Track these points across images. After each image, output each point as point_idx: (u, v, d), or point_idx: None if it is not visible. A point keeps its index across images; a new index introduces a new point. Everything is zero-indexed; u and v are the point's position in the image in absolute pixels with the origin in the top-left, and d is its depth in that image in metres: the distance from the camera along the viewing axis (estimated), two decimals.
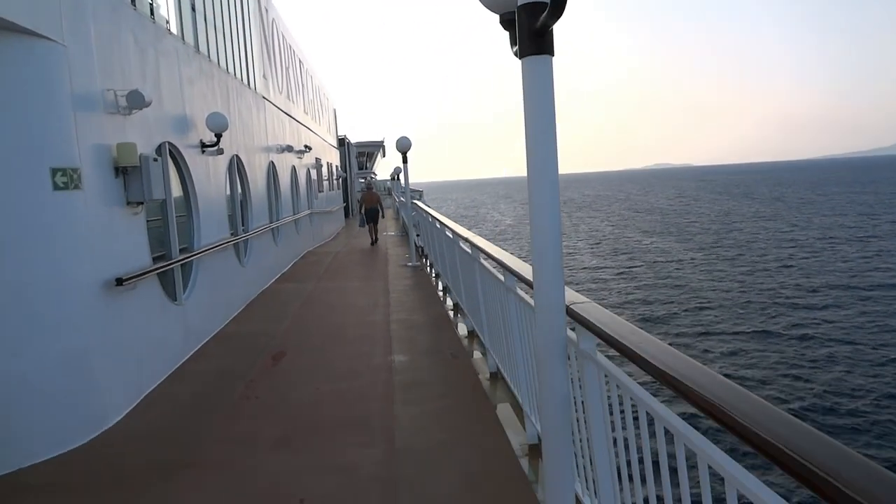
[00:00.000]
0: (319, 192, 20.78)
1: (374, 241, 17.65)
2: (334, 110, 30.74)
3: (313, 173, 19.20)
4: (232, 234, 9.16)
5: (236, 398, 5.46)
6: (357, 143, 50.48)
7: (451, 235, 7.09)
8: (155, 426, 4.94)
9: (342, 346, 7.11)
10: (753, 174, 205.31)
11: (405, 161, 12.51)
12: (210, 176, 8.16)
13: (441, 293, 9.72)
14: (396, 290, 10.18)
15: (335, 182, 26.91)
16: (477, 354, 6.33)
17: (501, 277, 4.28)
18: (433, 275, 11.40)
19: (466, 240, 5.79)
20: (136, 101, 5.36)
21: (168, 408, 5.33)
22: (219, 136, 7.79)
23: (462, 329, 7.40)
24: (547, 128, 2.21)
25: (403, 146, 12.29)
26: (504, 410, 4.77)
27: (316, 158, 20.35)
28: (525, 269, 3.51)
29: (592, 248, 37.32)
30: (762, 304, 20.81)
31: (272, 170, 12.37)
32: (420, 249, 13.88)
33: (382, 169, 65.07)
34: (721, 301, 21.61)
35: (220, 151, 8.01)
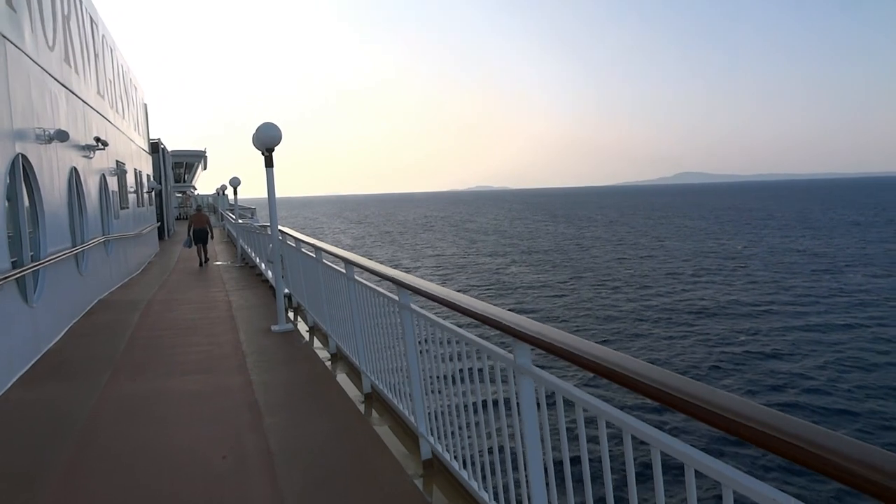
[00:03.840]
0: (122, 207, 14.92)
1: (204, 262, 17.18)
2: (145, 106, 24.28)
3: (111, 182, 13.42)
4: None
5: None
6: (174, 151, 43.12)
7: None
8: None
9: None
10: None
11: (269, 164, 7.89)
12: None
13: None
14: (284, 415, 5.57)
15: (145, 195, 20.70)
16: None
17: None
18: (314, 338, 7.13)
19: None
20: None
21: None
22: None
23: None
24: None
25: (267, 139, 7.64)
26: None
27: (117, 162, 14.49)
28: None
29: (450, 273, 34.40)
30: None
31: (21, 171, 7.07)
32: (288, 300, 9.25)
33: (204, 183, 57.32)
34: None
35: None
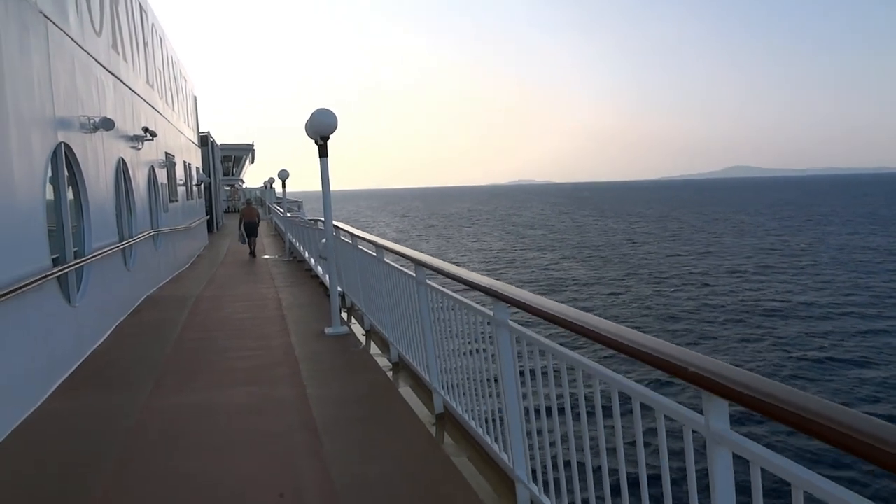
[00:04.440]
0: (172, 200, 14.66)
1: (253, 255, 17.70)
2: (195, 98, 24.20)
3: (160, 174, 13.11)
4: None
5: None
6: (222, 144, 43.51)
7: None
8: None
9: None
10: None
11: (324, 153, 7.28)
12: None
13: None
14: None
15: (195, 188, 20.57)
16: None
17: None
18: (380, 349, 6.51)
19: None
20: None
21: None
22: None
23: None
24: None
25: (322, 127, 7.03)
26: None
27: (166, 153, 14.20)
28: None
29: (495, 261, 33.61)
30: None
31: (63, 160, 6.63)
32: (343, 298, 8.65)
33: (251, 176, 57.96)
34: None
35: None
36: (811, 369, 14.01)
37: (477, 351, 3.50)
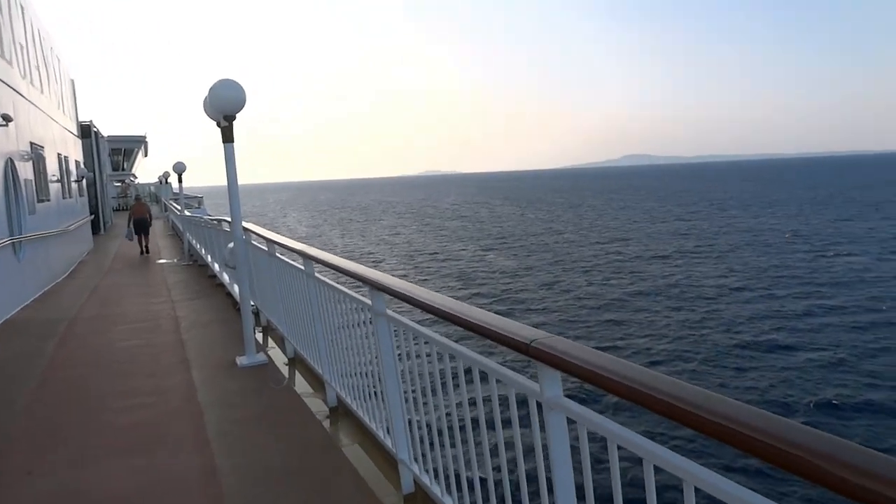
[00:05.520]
0: (42, 199, 12.39)
1: (145, 252, 17.05)
2: (72, 81, 21.28)
3: (23, 169, 10.89)
4: None
5: None
6: (111, 136, 39.63)
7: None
8: None
9: None
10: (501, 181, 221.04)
11: (228, 137, 5.83)
12: None
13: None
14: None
15: (74, 185, 17.96)
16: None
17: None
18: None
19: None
20: None
21: None
22: None
23: None
24: None
25: (226, 103, 5.62)
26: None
27: (31, 144, 11.92)
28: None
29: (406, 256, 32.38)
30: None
31: None
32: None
33: (145, 172, 53.68)
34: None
35: None
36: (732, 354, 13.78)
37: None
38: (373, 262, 32.02)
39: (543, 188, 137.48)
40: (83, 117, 24.92)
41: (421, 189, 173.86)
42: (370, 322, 3.30)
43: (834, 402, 11.25)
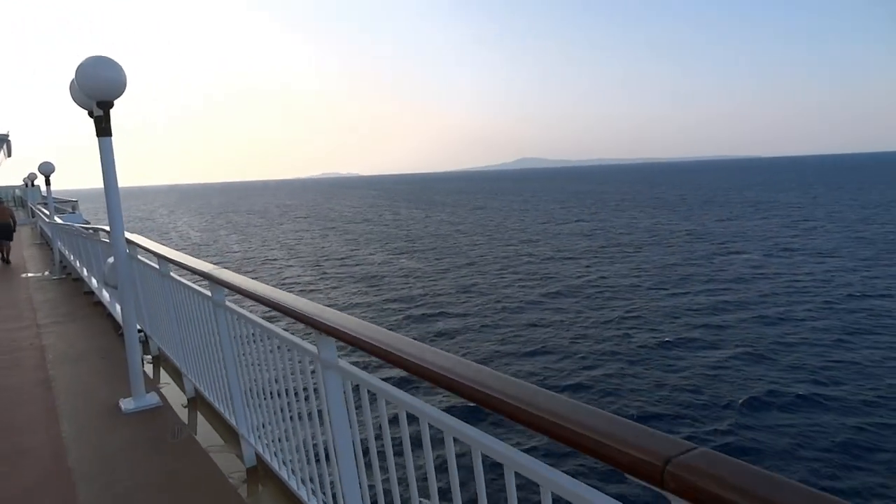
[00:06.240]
0: None
1: (7, 261, 15.76)
2: None
3: None
4: None
5: None
6: None
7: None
8: None
9: None
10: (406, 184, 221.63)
11: (105, 130, 4.68)
12: None
13: None
14: None
15: None
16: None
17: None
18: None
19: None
20: None
21: None
22: None
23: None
24: None
25: (100, 86, 4.48)
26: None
27: None
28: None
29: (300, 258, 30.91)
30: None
31: None
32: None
33: (8, 173, 48.38)
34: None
35: None
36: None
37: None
38: (277, 269, 30.27)
39: (443, 190, 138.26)
40: None
41: (318, 192, 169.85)
42: (312, 372, 2.57)
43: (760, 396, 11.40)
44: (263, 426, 3.32)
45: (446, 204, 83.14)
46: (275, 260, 33.99)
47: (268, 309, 2.74)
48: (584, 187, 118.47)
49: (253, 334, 3.09)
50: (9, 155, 44.93)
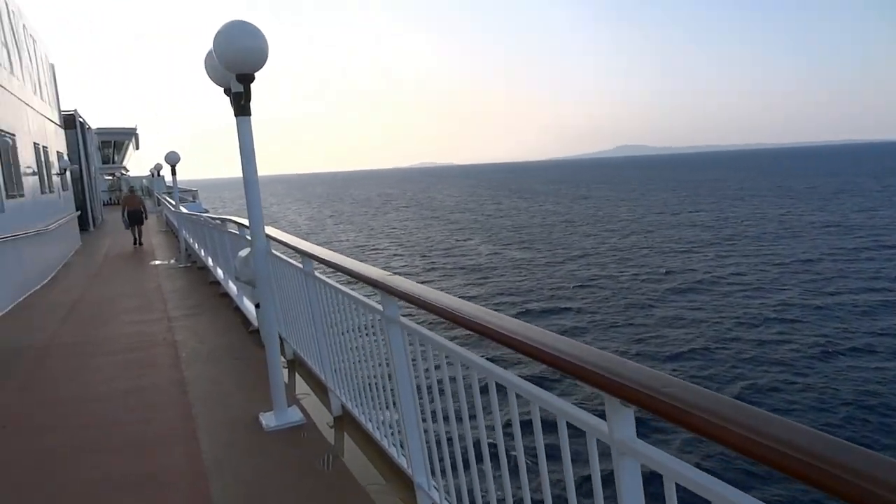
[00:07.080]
0: (12, 195, 10.66)
1: (139, 243, 17.24)
2: (52, 66, 19.39)
3: None
4: None
5: None
6: (100, 129, 37.75)
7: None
8: None
9: None
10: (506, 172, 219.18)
11: (244, 110, 4.14)
12: None
13: None
14: None
15: (56, 178, 16.19)
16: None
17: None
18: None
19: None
20: None
21: None
22: None
23: None
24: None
25: (241, 56, 3.92)
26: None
27: None
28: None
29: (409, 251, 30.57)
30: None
31: None
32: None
33: (137, 164, 51.77)
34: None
35: None
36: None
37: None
38: (385, 258, 30.22)
39: (542, 179, 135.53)
40: (68, 108, 23.06)
41: (417, 181, 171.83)
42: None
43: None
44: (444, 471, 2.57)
45: (548, 193, 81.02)
46: (384, 249, 34.05)
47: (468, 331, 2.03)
48: (695, 176, 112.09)
49: (433, 354, 2.36)
50: (137, 147, 48.11)
